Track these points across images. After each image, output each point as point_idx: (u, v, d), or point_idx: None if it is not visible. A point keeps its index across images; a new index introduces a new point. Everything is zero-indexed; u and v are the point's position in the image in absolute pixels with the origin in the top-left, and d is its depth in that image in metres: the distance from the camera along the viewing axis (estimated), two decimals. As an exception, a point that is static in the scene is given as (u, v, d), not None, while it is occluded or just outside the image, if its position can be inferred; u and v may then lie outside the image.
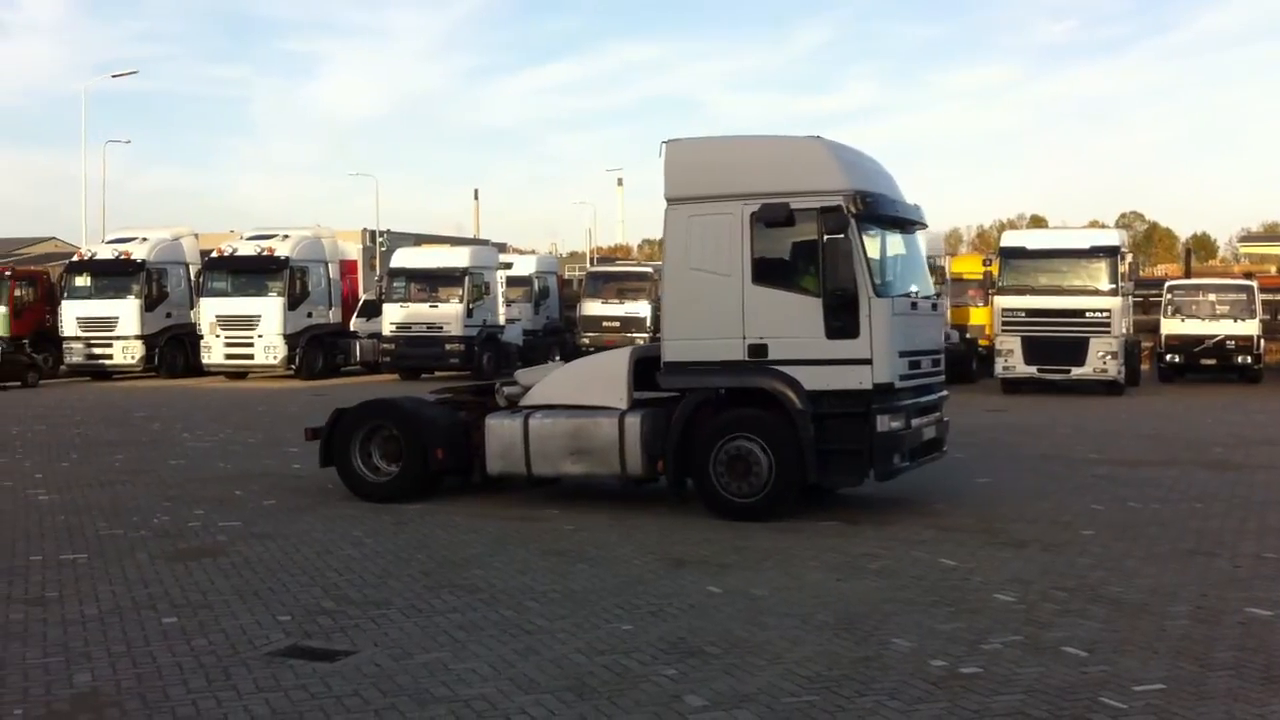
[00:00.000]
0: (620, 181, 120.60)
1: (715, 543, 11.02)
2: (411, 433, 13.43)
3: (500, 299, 38.11)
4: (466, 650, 7.67)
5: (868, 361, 11.70)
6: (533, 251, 58.98)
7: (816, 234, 11.71)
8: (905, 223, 12.93)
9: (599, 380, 13.06)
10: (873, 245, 12.07)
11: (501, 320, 38.02)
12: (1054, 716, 6.42)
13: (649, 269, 42.16)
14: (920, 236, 13.62)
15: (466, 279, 36.18)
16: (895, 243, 12.85)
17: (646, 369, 12.81)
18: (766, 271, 12.06)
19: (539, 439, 12.86)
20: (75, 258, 40.08)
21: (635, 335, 36.85)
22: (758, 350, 12.03)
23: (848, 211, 11.64)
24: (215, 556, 10.59)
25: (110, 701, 6.75)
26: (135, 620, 8.46)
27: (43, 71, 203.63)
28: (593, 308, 39.86)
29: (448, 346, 35.67)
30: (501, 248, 54.15)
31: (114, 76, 59.70)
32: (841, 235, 11.60)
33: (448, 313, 35.84)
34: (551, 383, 13.55)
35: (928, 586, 9.34)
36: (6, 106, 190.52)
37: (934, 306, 13.59)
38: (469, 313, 35.90)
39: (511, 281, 40.45)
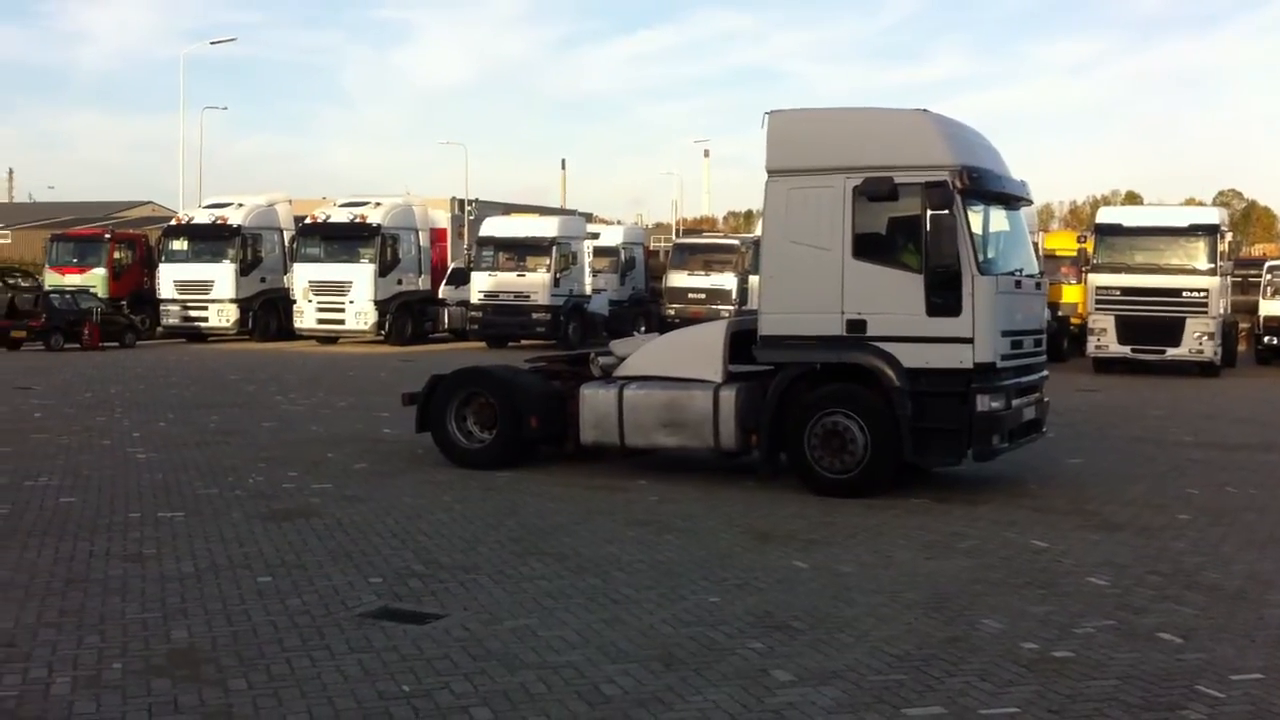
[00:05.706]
0: (707, 153, 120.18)
1: (802, 518, 10.98)
2: (507, 400, 13.50)
3: (587, 269, 38.20)
4: (554, 617, 7.71)
5: (969, 340, 11.52)
6: (618, 222, 58.95)
7: (920, 209, 11.54)
8: (1010, 199, 12.71)
9: (694, 352, 13.03)
10: (977, 221, 11.88)
11: (588, 290, 38.12)
12: (1149, 704, 6.30)
13: (735, 241, 42.04)
14: (1024, 213, 13.39)
15: (554, 249, 36.28)
16: (999, 219, 12.64)
17: (742, 342, 12.75)
18: (867, 246, 11.90)
19: (633, 410, 12.86)
20: (173, 222, 40.91)
21: (720, 307, 36.77)
22: (856, 326, 11.89)
23: (953, 187, 11.44)
24: (308, 518, 10.75)
25: (206, 658, 6.87)
26: (231, 578, 8.61)
27: (140, 37, 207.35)
28: (678, 279, 39.80)
29: (534, 315, 35.87)
30: (588, 218, 54.14)
31: (213, 43, 60.17)
32: (946, 211, 11.40)
33: (535, 282, 36.00)
34: (647, 354, 13.54)
35: (1018, 568, 9.23)
36: (105, 70, 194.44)
37: (1037, 285, 13.30)
38: (556, 282, 36.03)
39: (598, 252, 40.55)
